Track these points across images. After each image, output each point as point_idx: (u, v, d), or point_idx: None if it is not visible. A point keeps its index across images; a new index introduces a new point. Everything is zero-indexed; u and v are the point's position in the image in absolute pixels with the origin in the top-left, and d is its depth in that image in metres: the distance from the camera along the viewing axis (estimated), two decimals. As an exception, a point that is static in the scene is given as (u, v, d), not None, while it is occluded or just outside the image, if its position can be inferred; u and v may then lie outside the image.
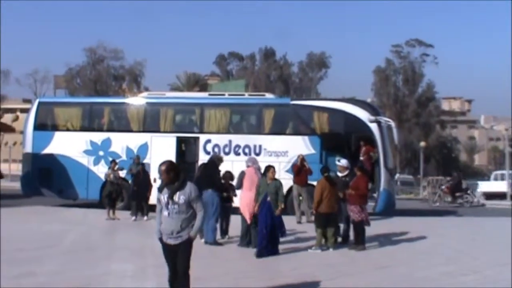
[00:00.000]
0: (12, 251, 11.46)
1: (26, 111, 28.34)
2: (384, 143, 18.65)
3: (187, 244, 6.72)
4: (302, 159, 17.34)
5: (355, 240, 12.48)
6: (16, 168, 26.00)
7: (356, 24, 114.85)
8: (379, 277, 9.67)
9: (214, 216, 12.73)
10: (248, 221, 12.14)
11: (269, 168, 11.84)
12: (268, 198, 11.37)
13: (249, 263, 10.73)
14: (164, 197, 6.74)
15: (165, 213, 6.72)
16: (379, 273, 10.04)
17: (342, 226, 13.18)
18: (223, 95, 21.64)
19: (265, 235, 11.06)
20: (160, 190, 6.85)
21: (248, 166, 12.56)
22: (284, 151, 19.27)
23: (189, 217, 6.74)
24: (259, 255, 10.92)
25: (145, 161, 18.92)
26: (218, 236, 13.09)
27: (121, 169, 18.48)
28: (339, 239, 12.80)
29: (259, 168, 12.49)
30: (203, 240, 13.02)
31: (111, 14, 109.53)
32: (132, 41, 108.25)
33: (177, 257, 6.73)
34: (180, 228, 6.69)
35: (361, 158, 18.00)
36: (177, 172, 6.76)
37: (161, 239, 6.83)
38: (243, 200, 12.20)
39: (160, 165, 6.79)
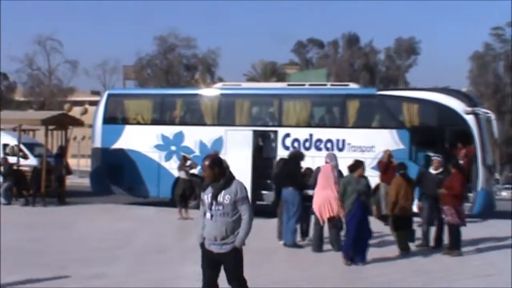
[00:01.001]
0: (82, 251, 11.89)
1: (95, 103, 29.27)
2: (482, 137, 18.08)
3: (234, 254, 6.29)
4: (390, 154, 17.07)
5: (449, 244, 12.21)
6: (85, 164, 26.93)
7: (449, 5, 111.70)
8: (478, 287, 9.39)
9: (295, 216, 12.73)
10: (321, 223, 12.08)
11: (359, 164, 11.37)
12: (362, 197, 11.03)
13: (330, 267, 10.66)
14: (208, 197, 6.34)
15: (208, 215, 6.31)
16: (478, 282, 9.75)
17: (420, 229, 12.96)
18: (303, 85, 21.58)
19: (354, 240, 10.78)
20: (203, 189, 6.48)
21: (326, 163, 12.45)
22: (370, 146, 19.03)
23: (235, 221, 6.28)
24: (349, 261, 10.68)
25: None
26: (298, 237, 13.08)
27: (195, 164, 18.63)
28: (413, 246, 12.44)
29: (336, 166, 12.35)
30: (281, 242, 13.06)
31: (182, 0, 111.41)
32: (205, 28, 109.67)
33: (224, 267, 6.34)
34: (224, 234, 6.25)
35: (460, 161, 17.47)
36: (222, 168, 6.37)
37: (202, 245, 6.41)
38: (317, 199, 12.12)
39: (204, 159, 6.45)
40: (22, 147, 23.70)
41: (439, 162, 13.21)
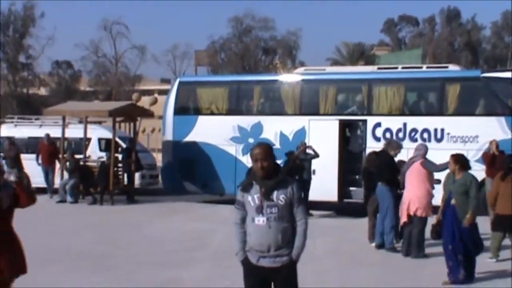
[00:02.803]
0: (155, 254, 12.20)
1: (165, 92, 29.85)
2: None
3: (290, 268, 5.68)
4: (497, 145, 16.65)
5: None
6: (156, 158, 27.43)
7: None
8: None
9: (389, 216, 12.65)
10: (401, 223, 12.13)
11: (452, 157, 10.41)
12: (453, 201, 10.08)
13: (415, 273, 10.53)
14: (255, 198, 5.67)
15: (259, 220, 5.61)
16: None
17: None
18: (395, 68, 21.30)
19: (452, 256, 9.94)
20: (245, 187, 5.81)
21: (414, 158, 12.21)
22: (473, 136, 18.61)
23: (290, 227, 5.67)
24: (450, 281, 9.97)
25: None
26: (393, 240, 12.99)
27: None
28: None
29: (423, 156, 12.11)
30: (373, 244, 13.00)
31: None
32: (284, 8, 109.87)
33: (275, 286, 5.72)
34: (280, 243, 5.61)
35: None
36: (276, 162, 5.78)
37: (246, 260, 5.76)
38: (403, 198, 12.05)
39: (256, 146, 5.78)
40: (119, 141, 23.64)
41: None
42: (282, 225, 5.61)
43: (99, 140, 24.45)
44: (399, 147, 13.58)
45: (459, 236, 9.90)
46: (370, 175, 13.61)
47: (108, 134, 23.36)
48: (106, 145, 23.56)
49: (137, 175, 22.73)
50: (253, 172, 5.80)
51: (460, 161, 10.24)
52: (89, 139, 23.62)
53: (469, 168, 10.32)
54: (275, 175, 5.68)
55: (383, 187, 12.76)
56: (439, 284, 9.87)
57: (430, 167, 11.97)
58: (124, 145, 23.69)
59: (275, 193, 5.63)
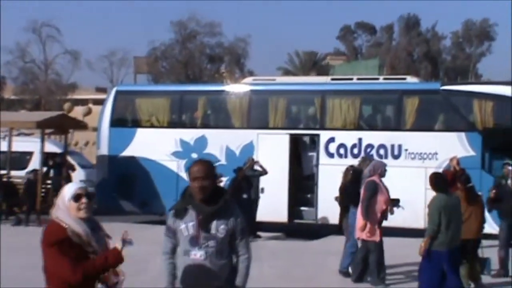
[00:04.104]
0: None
1: (100, 102, 29.58)
2: None
3: None
4: (457, 162, 16.93)
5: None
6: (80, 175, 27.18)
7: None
8: None
9: (352, 240, 12.75)
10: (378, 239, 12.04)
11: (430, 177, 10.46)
12: None
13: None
14: (189, 226, 5.22)
15: (196, 254, 5.18)
16: None
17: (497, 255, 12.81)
18: (350, 79, 21.56)
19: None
20: (178, 213, 5.33)
21: (371, 175, 12.29)
22: (432, 152, 18.92)
23: (229, 264, 5.31)
24: None
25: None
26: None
27: (220, 176, 18.87)
28: (488, 277, 12.22)
29: (370, 175, 12.18)
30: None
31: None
32: (232, 12, 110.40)
33: None
34: (218, 283, 5.23)
35: None
36: (219, 186, 5.48)
37: None
38: (359, 219, 12.09)
39: (193, 165, 5.36)
40: (68, 157, 23.43)
41: (515, 171, 13.09)
42: (220, 262, 5.21)
43: (47, 155, 24.01)
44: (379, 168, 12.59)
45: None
46: (346, 193, 13.57)
47: (53, 148, 23.17)
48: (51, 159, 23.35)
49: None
50: (189, 194, 5.29)
51: (431, 181, 10.30)
52: (30, 153, 23.42)
53: (441, 189, 10.04)
54: (215, 200, 5.22)
55: (352, 209, 12.84)
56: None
57: (367, 191, 11.91)
58: (72, 161, 23.74)
59: (214, 223, 5.20)
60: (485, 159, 18.36)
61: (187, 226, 5.23)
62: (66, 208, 4.77)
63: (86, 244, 4.72)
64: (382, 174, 12.19)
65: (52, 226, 4.79)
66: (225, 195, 5.35)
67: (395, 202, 12.39)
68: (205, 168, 5.27)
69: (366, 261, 12.06)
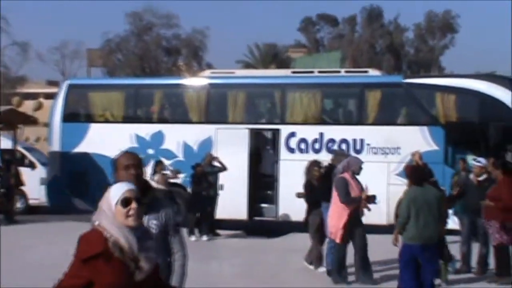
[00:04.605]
0: (38, 282, 11.91)
1: (51, 96, 29.29)
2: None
3: None
4: (420, 157, 17.12)
5: (496, 269, 12.28)
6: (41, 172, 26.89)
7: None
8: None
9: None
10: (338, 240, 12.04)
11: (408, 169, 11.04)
12: None
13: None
14: None
15: None
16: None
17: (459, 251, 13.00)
18: (312, 72, 21.65)
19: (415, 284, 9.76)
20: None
21: (344, 171, 12.39)
22: (395, 147, 19.09)
23: (163, 263, 5.07)
24: None
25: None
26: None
27: (177, 172, 18.92)
28: (450, 272, 12.40)
29: (342, 171, 12.25)
30: (321, 270, 13.00)
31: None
32: (190, 3, 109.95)
33: None
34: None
35: None
36: (144, 179, 5.22)
37: None
38: (334, 215, 12.10)
39: (121, 156, 5.24)
40: (24, 152, 23.48)
41: (482, 166, 13.26)
42: None
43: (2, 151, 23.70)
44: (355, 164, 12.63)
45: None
46: (313, 188, 13.59)
47: (9, 143, 22.99)
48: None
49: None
50: None
51: (408, 173, 10.61)
52: None
53: (416, 182, 10.20)
54: (144, 194, 4.87)
55: (325, 205, 12.83)
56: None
57: (339, 189, 11.96)
58: (33, 158, 23.78)
59: (145, 218, 4.91)
60: (448, 154, 18.56)
61: None
62: (111, 213, 4.06)
63: (129, 259, 3.95)
64: (356, 171, 12.21)
65: (91, 235, 4.07)
66: (153, 189, 5.21)
67: (372, 198, 12.33)
68: (137, 157, 5.17)
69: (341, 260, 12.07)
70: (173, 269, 5.18)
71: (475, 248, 13.10)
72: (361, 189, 12.02)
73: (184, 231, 17.46)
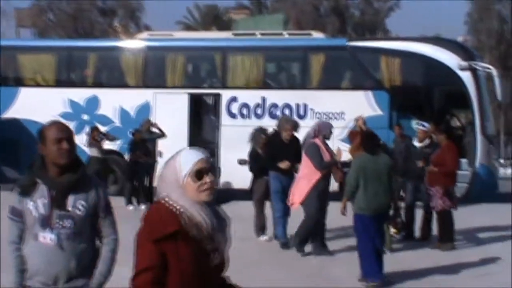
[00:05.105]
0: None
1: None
2: (481, 99, 18.51)
3: None
4: (363, 122, 17.29)
5: (439, 235, 12.56)
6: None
7: None
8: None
9: (274, 204, 12.81)
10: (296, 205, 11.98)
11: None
12: None
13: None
14: (38, 204, 4.47)
15: (45, 237, 4.46)
16: (475, 282, 10.09)
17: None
18: (254, 35, 21.64)
19: (371, 252, 9.81)
20: (25, 190, 4.52)
21: (315, 136, 12.26)
22: (339, 112, 19.26)
23: (90, 249, 4.64)
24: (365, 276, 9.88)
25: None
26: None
27: (113, 138, 18.82)
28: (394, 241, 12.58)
29: (326, 136, 12.16)
30: (263, 238, 13.10)
31: None
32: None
33: None
34: (74, 271, 4.51)
35: None
36: (76, 154, 4.67)
37: None
38: (303, 182, 11.91)
39: (49, 126, 4.68)
40: None
41: (425, 131, 13.43)
42: (79, 246, 4.51)
43: None
44: (292, 127, 13.06)
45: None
46: (257, 156, 13.62)
47: None
48: None
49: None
50: (39, 166, 4.57)
51: (361, 140, 10.72)
52: None
53: (367, 149, 10.19)
54: (72, 171, 4.53)
55: (275, 175, 12.75)
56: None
57: (312, 155, 11.83)
58: None
59: (71, 199, 4.49)
60: (393, 118, 18.77)
61: (36, 205, 4.46)
62: (180, 186, 3.51)
63: (207, 239, 3.50)
64: (327, 136, 12.14)
65: (161, 211, 3.51)
66: (83, 165, 4.68)
67: (344, 165, 12.33)
68: (69, 129, 4.66)
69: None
70: (101, 254, 4.64)
71: (419, 214, 13.34)
72: (333, 154, 11.94)
73: (122, 201, 17.50)
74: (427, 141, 13.41)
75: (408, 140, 14.45)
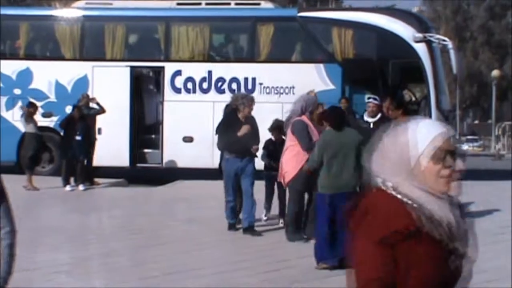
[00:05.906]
0: None
1: None
2: (436, 72, 18.77)
3: None
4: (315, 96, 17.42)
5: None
6: None
7: None
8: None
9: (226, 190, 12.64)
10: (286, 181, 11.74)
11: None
12: None
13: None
14: None
15: None
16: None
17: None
18: (199, 4, 21.56)
19: (326, 233, 9.73)
20: None
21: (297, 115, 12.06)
22: (289, 86, 19.35)
23: None
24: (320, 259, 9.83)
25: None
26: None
27: (49, 115, 18.68)
28: None
29: (299, 114, 11.83)
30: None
31: None
32: None
33: None
34: None
35: None
36: None
37: None
38: (291, 161, 11.62)
39: None
40: None
41: (377, 105, 13.49)
42: None
43: None
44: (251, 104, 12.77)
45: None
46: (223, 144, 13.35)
47: None
48: None
49: None
50: None
51: (327, 115, 10.56)
52: None
53: (334, 124, 10.18)
54: None
55: (232, 159, 12.45)
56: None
57: (299, 134, 11.55)
58: None
59: None
60: (345, 93, 18.93)
61: None
62: (412, 170, 2.77)
63: (450, 240, 2.77)
64: (313, 112, 11.83)
65: (387, 204, 2.78)
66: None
67: None
68: None
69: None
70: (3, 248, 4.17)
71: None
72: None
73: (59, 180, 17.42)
74: (379, 115, 13.49)
75: (352, 117, 14.53)
